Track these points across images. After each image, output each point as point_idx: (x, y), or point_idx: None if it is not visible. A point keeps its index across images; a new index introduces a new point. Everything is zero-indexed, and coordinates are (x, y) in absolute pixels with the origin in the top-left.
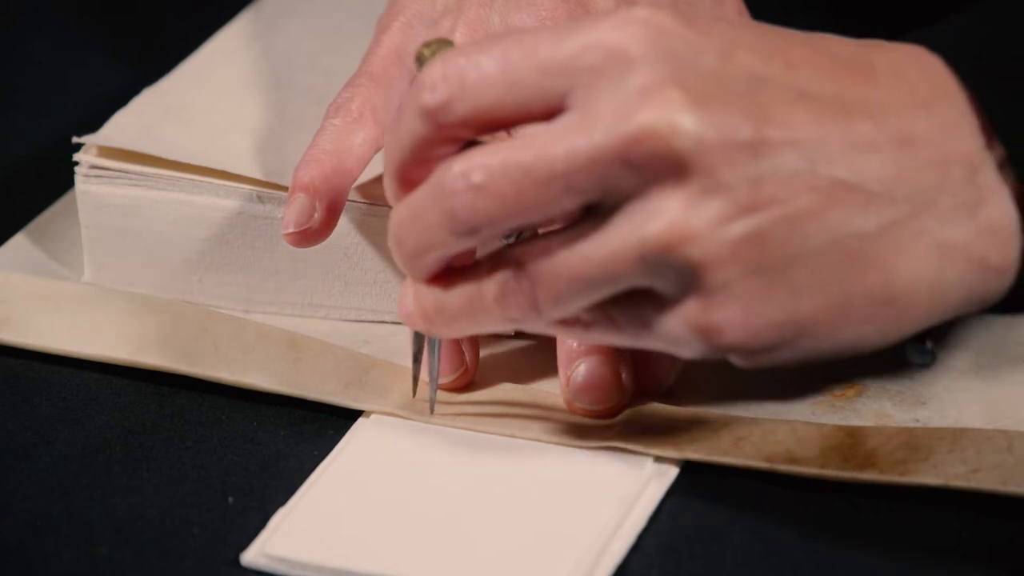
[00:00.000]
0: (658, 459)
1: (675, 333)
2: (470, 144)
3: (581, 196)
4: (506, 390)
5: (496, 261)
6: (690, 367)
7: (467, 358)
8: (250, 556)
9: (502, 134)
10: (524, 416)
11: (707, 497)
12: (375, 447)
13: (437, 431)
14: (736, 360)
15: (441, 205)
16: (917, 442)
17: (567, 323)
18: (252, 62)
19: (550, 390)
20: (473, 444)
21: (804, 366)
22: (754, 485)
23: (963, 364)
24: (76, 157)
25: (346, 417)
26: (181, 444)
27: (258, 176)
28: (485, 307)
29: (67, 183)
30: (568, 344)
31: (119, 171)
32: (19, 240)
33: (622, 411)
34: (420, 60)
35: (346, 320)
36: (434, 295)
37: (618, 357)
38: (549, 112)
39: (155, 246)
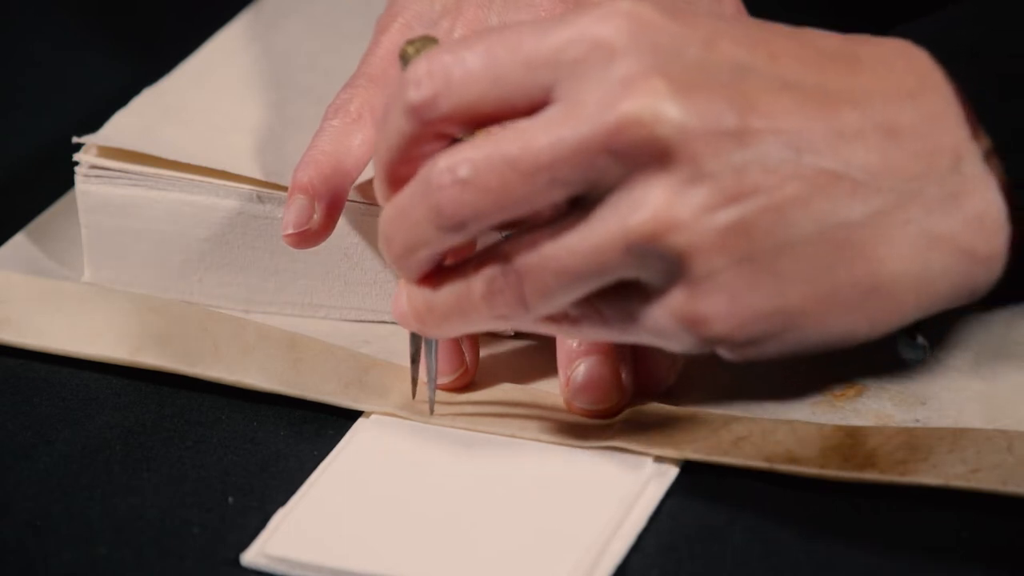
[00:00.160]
0: (658, 459)
1: (662, 325)
2: (457, 142)
3: (567, 188)
4: (506, 390)
5: (483, 258)
6: (690, 367)
7: (467, 358)
8: (250, 556)
9: (489, 130)
10: (524, 416)
11: (707, 497)
12: (375, 447)
13: (437, 431)
14: (725, 354)
15: (428, 201)
16: (917, 442)
17: (555, 319)
18: (252, 62)
19: (550, 390)
20: (473, 444)
21: (800, 363)
22: (754, 485)
23: (963, 364)
24: (76, 157)
25: (346, 417)
26: (181, 444)
27: (258, 176)
28: (474, 305)
29: (67, 183)
30: (568, 344)
31: (119, 171)
32: (19, 240)
33: (622, 411)
34: (405, 58)
35: (346, 320)
36: (424, 295)
37: (618, 357)
38: (534, 106)
39: (155, 246)
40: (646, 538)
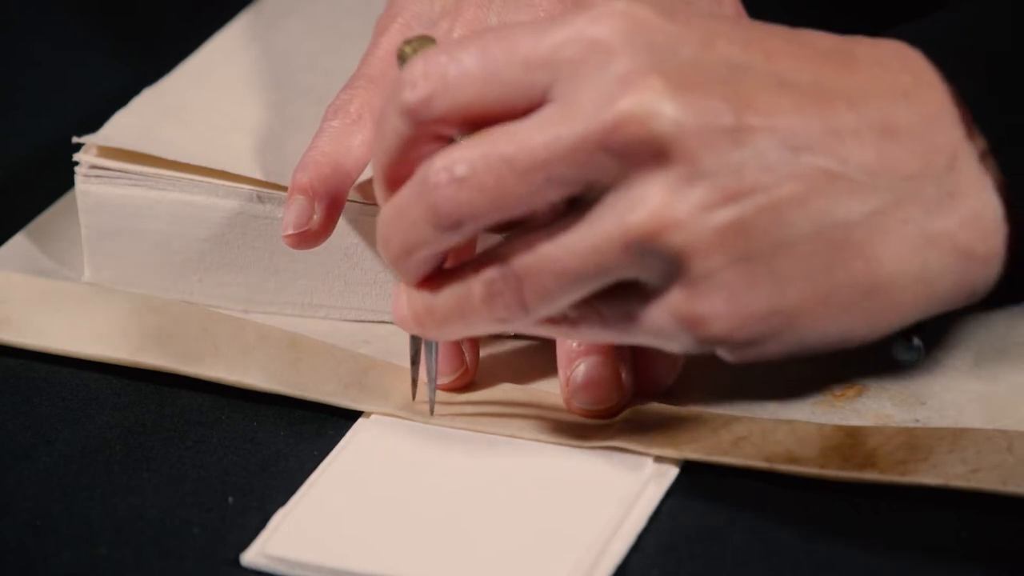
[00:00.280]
0: (658, 459)
1: (661, 325)
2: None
3: (563, 187)
4: (506, 390)
5: (482, 261)
6: (690, 367)
7: (467, 358)
8: (250, 556)
9: (486, 131)
10: (524, 416)
11: (707, 497)
12: (375, 447)
13: (437, 431)
14: (724, 355)
15: (424, 200)
16: (917, 442)
17: (554, 321)
18: (252, 62)
19: (550, 390)
20: (473, 444)
21: (800, 362)
22: (754, 485)
23: (963, 364)
24: (76, 157)
25: (346, 417)
26: (181, 444)
27: (258, 176)
28: (473, 308)
29: (67, 183)
30: (568, 344)
31: (119, 171)
32: (19, 240)
33: (622, 411)
34: (402, 58)
35: (346, 320)
36: (424, 298)
37: (618, 357)
38: (531, 106)
39: (155, 246)
40: (646, 538)
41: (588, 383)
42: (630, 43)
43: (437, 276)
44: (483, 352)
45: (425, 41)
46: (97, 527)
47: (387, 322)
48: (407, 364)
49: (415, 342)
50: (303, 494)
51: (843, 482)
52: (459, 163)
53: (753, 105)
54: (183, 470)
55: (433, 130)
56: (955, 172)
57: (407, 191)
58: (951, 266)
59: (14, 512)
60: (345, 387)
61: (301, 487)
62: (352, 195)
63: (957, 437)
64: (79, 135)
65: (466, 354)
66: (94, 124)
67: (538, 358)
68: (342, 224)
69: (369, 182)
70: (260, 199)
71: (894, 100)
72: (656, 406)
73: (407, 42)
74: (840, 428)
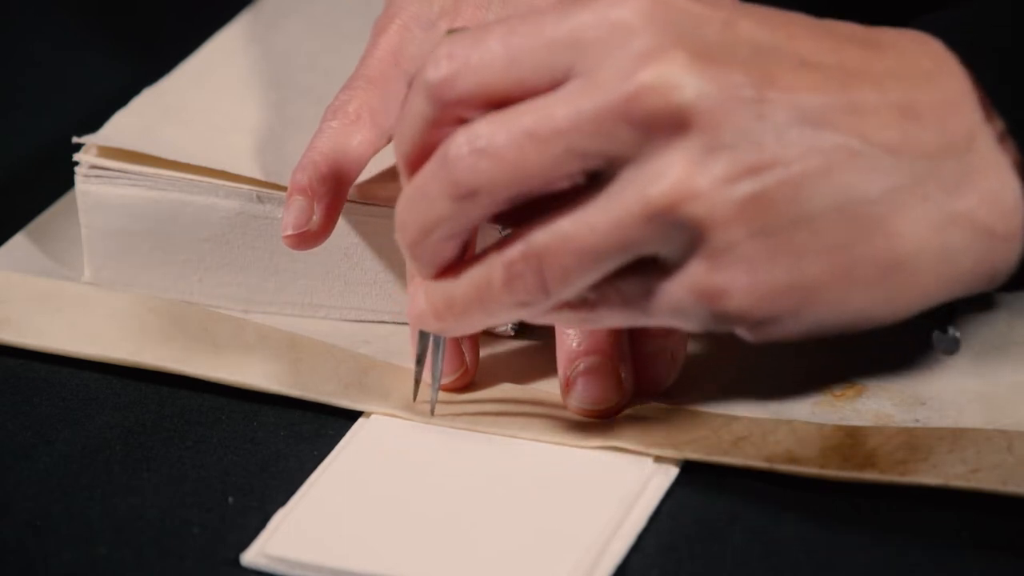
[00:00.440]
0: (658, 459)
1: (680, 300)
2: None
3: (584, 160)
4: (506, 390)
5: (501, 245)
6: (690, 367)
7: (467, 358)
8: (250, 556)
9: None
10: (524, 416)
11: (707, 497)
12: (375, 447)
13: (437, 431)
14: (743, 333)
15: (444, 174)
16: (917, 442)
17: (573, 306)
18: (252, 62)
19: (550, 390)
20: (473, 444)
21: (802, 362)
22: (754, 485)
23: (963, 364)
24: (76, 157)
25: (346, 417)
26: (181, 444)
27: (258, 176)
28: (494, 294)
29: (67, 183)
30: (568, 344)
31: (119, 171)
32: (19, 240)
33: (622, 411)
34: None
35: (346, 320)
36: (443, 289)
37: (618, 357)
38: (553, 87)
39: (155, 246)
40: (646, 538)
41: (588, 383)
42: (652, 22)
43: (455, 266)
44: (483, 352)
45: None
46: (97, 527)
47: (387, 322)
48: (407, 364)
49: (423, 341)
50: (303, 494)
51: (843, 482)
52: (480, 135)
53: (775, 81)
54: (183, 470)
55: (455, 112)
56: (974, 153)
57: (427, 169)
58: (971, 245)
59: (14, 512)
60: (345, 387)
61: (301, 487)
62: (352, 195)
63: (957, 437)
64: (79, 135)
65: (466, 354)
66: (94, 124)
67: (538, 358)
68: (342, 224)
69: (369, 182)
70: (260, 199)
71: (915, 82)
72: (656, 406)
73: (450, 32)
74: (840, 428)
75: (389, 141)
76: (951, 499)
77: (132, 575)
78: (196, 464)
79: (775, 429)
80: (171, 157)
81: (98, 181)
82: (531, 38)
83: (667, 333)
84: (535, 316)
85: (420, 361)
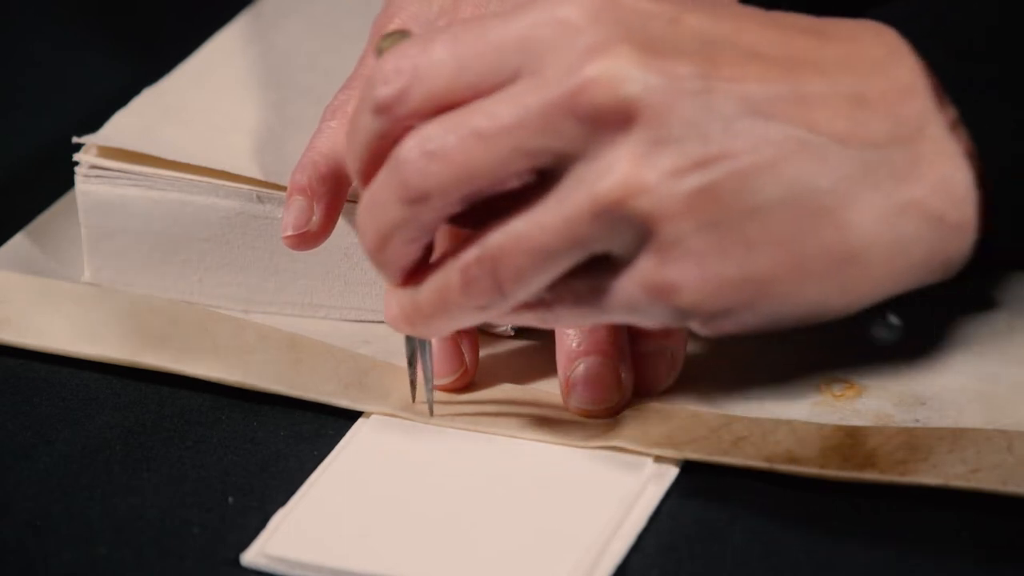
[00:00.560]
0: (658, 459)
1: (632, 296)
2: None
3: (532, 158)
4: (506, 390)
5: (458, 249)
6: (690, 367)
7: (466, 359)
8: (250, 556)
9: None
10: (524, 416)
11: (707, 497)
12: (375, 447)
13: (437, 431)
14: (698, 328)
15: (395, 179)
16: (917, 442)
17: (531, 306)
18: (252, 62)
19: (550, 390)
20: (473, 444)
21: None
22: (754, 485)
23: (963, 364)
24: (76, 157)
25: (346, 418)
26: (181, 444)
27: (258, 176)
28: (454, 298)
29: (67, 183)
30: (568, 344)
31: (119, 171)
32: (19, 240)
33: (621, 411)
34: (380, 54)
35: (346, 320)
36: (409, 295)
37: (618, 357)
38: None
39: (155, 246)
40: (646, 538)
41: (588, 383)
42: (598, 20)
43: (419, 272)
44: (483, 352)
45: (402, 36)
46: (97, 527)
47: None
48: (406, 365)
49: (410, 343)
50: (303, 494)
51: (843, 482)
52: (430, 138)
53: (721, 72)
54: (183, 470)
55: (407, 123)
56: (925, 141)
57: (379, 176)
58: (923, 233)
59: (14, 512)
60: (345, 387)
61: (301, 487)
62: (352, 195)
63: (957, 437)
64: (79, 135)
65: (466, 354)
66: (94, 124)
67: (538, 358)
68: (342, 224)
69: None
70: (260, 199)
71: (865, 71)
72: (656, 406)
73: (384, 37)
74: (840, 428)
75: None
76: (951, 499)
77: (132, 575)
78: (196, 464)
79: (775, 429)
80: (171, 157)
81: (98, 181)
82: (478, 43)
83: (667, 333)
84: (496, 318)
85: (412, 363)
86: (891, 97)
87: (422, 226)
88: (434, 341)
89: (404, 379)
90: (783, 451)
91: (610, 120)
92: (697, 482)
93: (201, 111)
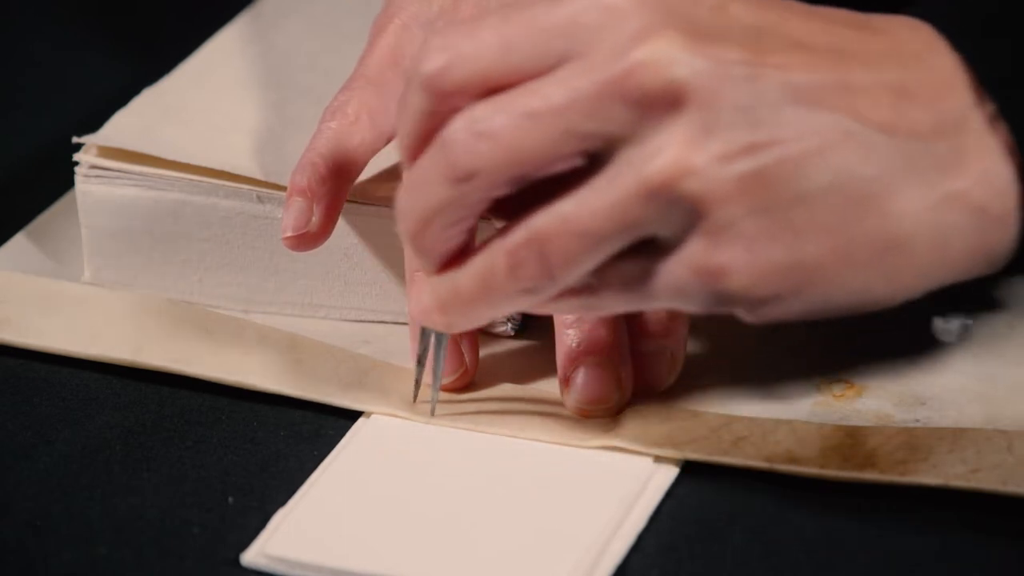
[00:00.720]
0: (658, 459)
1: (680, 280)
2: None
3: (581, 140)
4: (506, 390)
5: (504, 232)
6: (690, 367)
7: (467, 359)
8: (250, 556)
9: None
10: (524, 416)
11: (707, 497)
12: (375, 447)
13: (437, 431)
14: (743, 314)
15: (443, 157)
16: (917, 442)
17: (576, 292)
18: (252, 62)
19: (550, 390)
20: (473, 444)
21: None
22: (754, 485)
23: (963, 364)
24: (76, 157)
25: (346, 417)
26: (181, 444)
27: (258, 176)
28: (498, 282)
29: (67, 183)
30: (568, 344)
31: (119, 171)
32: (19, 240)
33: (622, 411)
34: None
35: (346, 320)
36: (449, 280)
37: (618, 357)
38: (549, 72)
39: (155, 246)
40: (646, 538)
41: (588, 383)
42: (644, 5)
43: (458, 259)
44: (483, 352)
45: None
46: (97, 527)
47: (387, 322)
48: (407, 364)
49: (423, 341)
50: (303, 494)
51: (843, 482)
52: (479, 118)
53: (767, 59)
54: (183, 470)
55: (453, 102)
56: (966, 134)
57: (426, 155)
58: (967, 225)
59: (14, 512)
60: (345, 387)
61: (301, 487)
62: (352, 195)
63: (957, 437)
64: (79, 135)
65: (466, 354)
66: (94, 124)
67: (538, 358)
68: (342, 224)
69: (369, 182)
70: (260, 199)
71: (907, 64)
72: (656, 406)
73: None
74: (840, 428)
75: (388, 141)
76: (951, 499)
77: (132, 575)
78: (196, 464)
79: (775, 429)
80: (171, 157)
81: (98, 181)
82: (524, 26)
83: (667, 333)
84: (539, 304)
85: (421, 362)
86: (933, 90)
87: (467, 207)
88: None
89: (404, 379)
90: (783, 451)
91: (659, 103)
92: (697, 482)
93: (201, 111)
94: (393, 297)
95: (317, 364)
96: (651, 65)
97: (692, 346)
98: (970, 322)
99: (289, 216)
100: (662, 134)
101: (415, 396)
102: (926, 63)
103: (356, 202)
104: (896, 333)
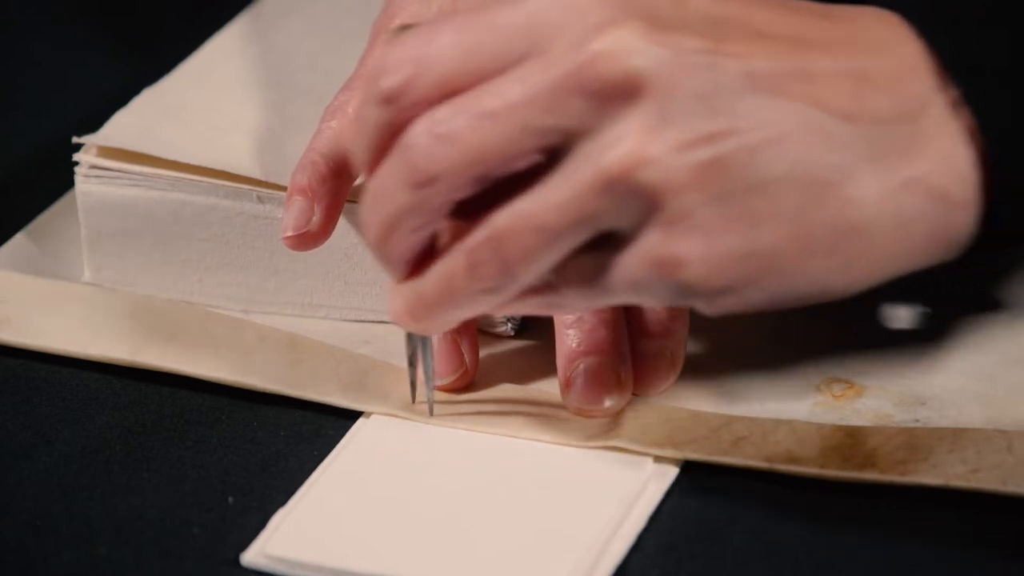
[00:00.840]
0: (658, 459)
1: (637, 272)
2: None
3: (540, 136)
4: (506, 390)
5: (464, 233)
6: (690, 367)
7: (467, 359)
8: (250, 556)
9: None
10: (524, 416)
11: (707, 497)
12: (375, 447)
13: (437, 431)
14: (703, 307)
15: (404, 163)
16: (917, 442)
17: (538, 291)
18: (252, 62)
19: (550, 390)
20: (473, 444)
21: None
22: (754, 485)
23: (963, 364)
24: (76, 157)
25: (346, 417)
26: (181, 444)
27: (258, 176)
28: (459, 283)
29: (67, 183)
30: (568, 344)
31: (119, 171)
32: (19, 240)
33: (622, 411)
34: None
35: (346, 320)
36: (413, 286)
37: (617, 357)
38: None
39: (155, 246)
40: (646, 538)
41: (587, 383)
42: (604, 2)
43: (423, 264)
44: (483, 352)
45: (409, 28)
46: (97, 527)
47: (387, 322)
48: (406, 365)
49: (411, 343)
50: (303, 494)
51: (843, 482)
52: (438, 122)
53: (727, 48)
54: (183, 470)
55: (413, 113)
56: (927, 119)
57: (386, 164)
58: (927, 210)
59: (14, 512)
60: (345, 387)
61: (301, 487)
62: (352, 195)
63: (957, 437)
64: (79, 135)
65: (465, 355)
66: (94, 124)
67: (538, 358)
68: (342, 224)
69: None
70: (260, 199)
71: (868, 50)
72: (656, 406)
73: (391, 31)
74: (840, 428)
75: None
76: (951, 499)
77: (132, 575)
78: (196, 464)
79: (775, 429)
80: (171, 157)
81: (98, 181)
82: (484, 28)
83: (667, 333)
84: (503, 304)
85: (412, 363)
86: (894, 76)
87: (429, 211)
88: (434, 340)
89: (404, 379)
90: (783, 451)
91: (617, 93)
92: (697, 482)
93: (201, 111)
94: None
95: (317, 364)
96: (609, 55)
97: (692, 346)
98: (928, 310)
99: (289, 216)
100: (620, 125)
101: (413, 397)
102: (888, 50)
103: (356, 202)
104: (896, 333)
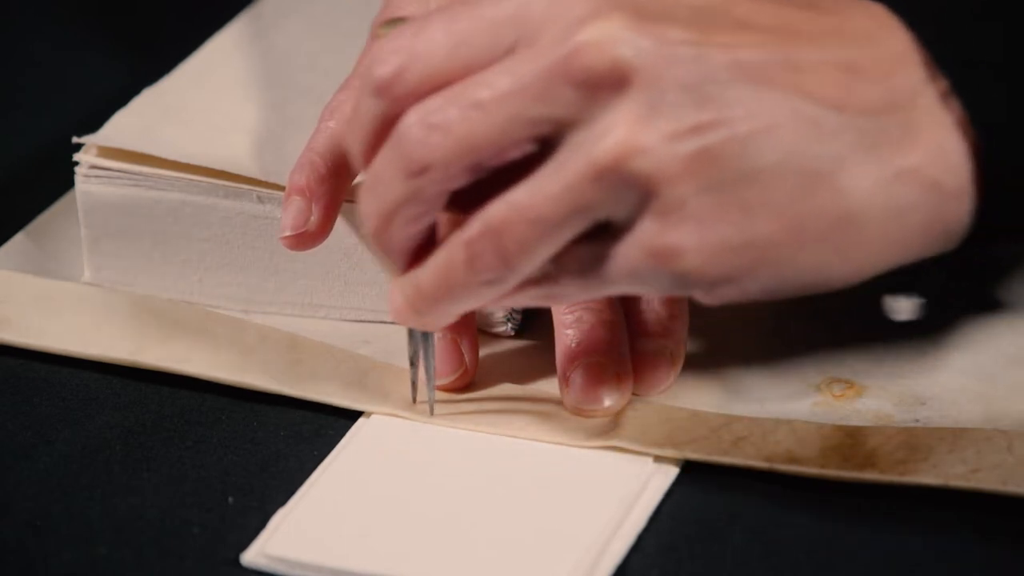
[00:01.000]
0: (658, 459)
1: (634, 262)
2: None
3: (531, 126)
4: (506, 390)
5: (462, 225)
6: (690, 367)
7: (467, 359)
8: (250, 556)
9: None
10: (524, 416)
11: (707, 497)
12: (375, 447)
13: (437, 431)
14: (701, 296)
15: (397, 154)
16: (917, 442)
17: (536, 282)
18: (252, 62)
19: (550, 390)
20: (473, 444)
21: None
22: (754, 485)
23: (963, 364)
24: (76, 157)
25: (346, 417)
26: (181, 444)
27: (258, 176)
28: (458, 275)
29: (67, 183)
30: (567, 344)
31: (119, 171)
32: (19, 240)
33: (622, 411)
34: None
35: (346, 320)
36: (412, 279)
37: (617, 357)
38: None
39: (155, 246)
40: (646, 538)
41: (587, 383)
42: None
43: (421, 255)
44: (483, 352)
45: (401, 23)
46: (97, 527)
47: (387, 322)
48: (407, 364)
49: (412, 342)
50: (303, 494)
51: (843, 482)
52: (430, 112)
53: (714, 38)
54: (183, 470)
55: (406, 104)
56: (918, 110)
57: (381, 154)
58: (920, 200)
59: (14, 512)
60: (345, 387)
61: (301, 487)
62: (350, 195)
63: (957, 437)
64: (79, 135)
65: (466, 354)
66: (94, 124)
67: (538, 358)
68: (342, 224)
69: None
70: (260, 199)
71: (857, 41)
72: (656, 406)
73: (382, 25)
74: (840, 428)
75: None
76: (951, 499)
77: (132, 575)
78: (196, 464)
79: (775, 429)
80: (171, 157)
81: (98, 181)
82: (473, 20)
83: (667, 333)
84: (502, 296)
85: (414, 362)
86: (884, 66)
87: (425, 201)
88: (434, 340)
89: (404, 379)
90: (783, 451)
91: (605, 83)
92: (697, 482)
93: (201, 111)
94: None
95: (317, 364)
96: (595, 45)
97: (692, 346)
98: (923, 301)
99: (288, 215)
100: (609, 115)
101: (413, 397)
102: (877, 41)
103: (355, 202)
104: (896, 333)
